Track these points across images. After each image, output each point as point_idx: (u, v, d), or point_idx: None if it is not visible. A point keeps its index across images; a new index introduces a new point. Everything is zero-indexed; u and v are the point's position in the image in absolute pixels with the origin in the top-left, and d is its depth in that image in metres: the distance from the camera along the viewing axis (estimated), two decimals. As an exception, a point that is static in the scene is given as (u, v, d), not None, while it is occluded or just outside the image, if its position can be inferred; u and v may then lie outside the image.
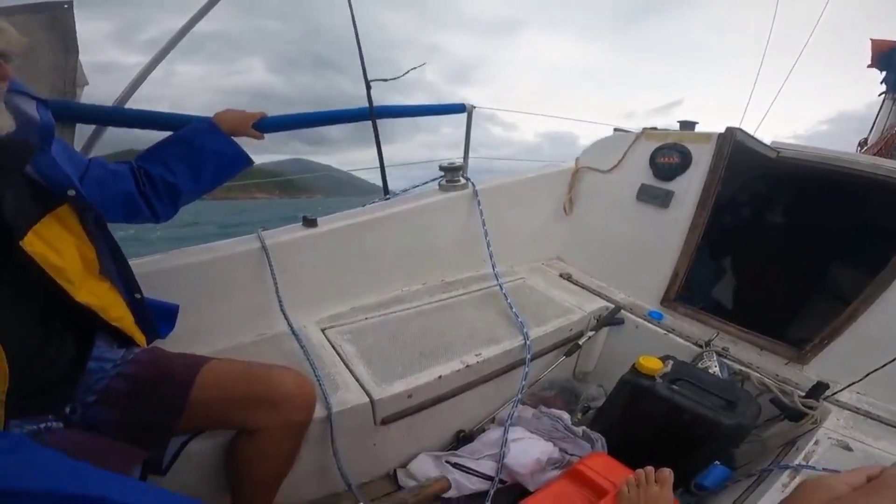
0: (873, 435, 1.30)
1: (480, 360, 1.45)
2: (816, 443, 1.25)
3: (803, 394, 1.45)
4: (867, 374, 1.41)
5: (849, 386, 1.44)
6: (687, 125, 2.05)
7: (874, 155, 2.58)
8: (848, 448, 1.23)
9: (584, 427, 1.49)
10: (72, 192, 0.80)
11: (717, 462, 1.32)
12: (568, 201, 2.28)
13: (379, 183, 2.08)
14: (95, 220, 0.87)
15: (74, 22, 1.18)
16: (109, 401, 0.85)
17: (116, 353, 0.92)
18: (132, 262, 1.00)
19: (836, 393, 1.44)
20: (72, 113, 1.17)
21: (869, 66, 3.02)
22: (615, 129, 2.26)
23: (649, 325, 1.83)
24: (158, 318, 1.06)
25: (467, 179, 2.00)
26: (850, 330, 1.54)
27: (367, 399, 1.23)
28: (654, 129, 2.09)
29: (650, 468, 1.06)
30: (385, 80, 1.87)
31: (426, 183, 2.04)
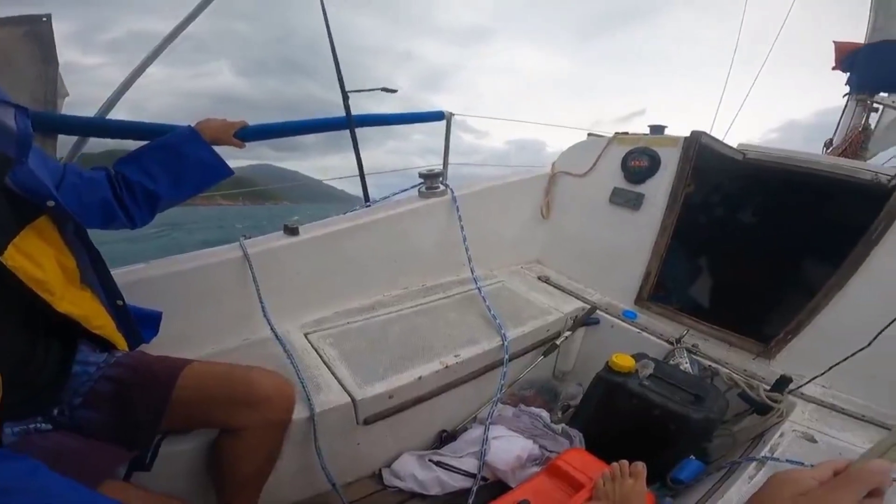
0: (838, 427, 1.37)
1: (459, 360, 1.51)
2: (782, 435, 1.31)
3: (769, 388, 1.52)
4: (829, 368, 1.49)
5: (812, 379, 1.52)
6: (657, 129, 2.14)
7: (840, 155, 2.70)
8: (812, 440, 1.30)
9: (563, 424, 1.56)
10: (51, 203, 0.81)
11: (692, 456, 1.38)
12: (545, 205, 2.37)
13: (348, 190, 2.14)
14: (75, 229, 0.88)
15: (53, 34, 1.22)
16: (95, 403, 0.88)
17: (100, 356, 0.95)
18: (117, 272, 1.03)
19: (800, 386, 1.52)
20: (54, 124, 1.21)
21: (833, 69, 3.09)
22: (589, 134, 2.36)
23: (624, 324, 1.91)
24: (142, 324, 1.09)
25: (446, 186, 2.07)
26: (812, 324, 1.62)
27: (349, 399, 1.28)
28: (626, 133, 2.19)
29: (624, 462, 1.11)
30: (361, 90, 1.94)
31: (405, 190, 2.10)
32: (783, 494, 0.52)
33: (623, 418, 1.46)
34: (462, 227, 1.98)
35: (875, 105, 2.98)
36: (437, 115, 2.28)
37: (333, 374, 1.37)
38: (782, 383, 1.51)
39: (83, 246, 0.91)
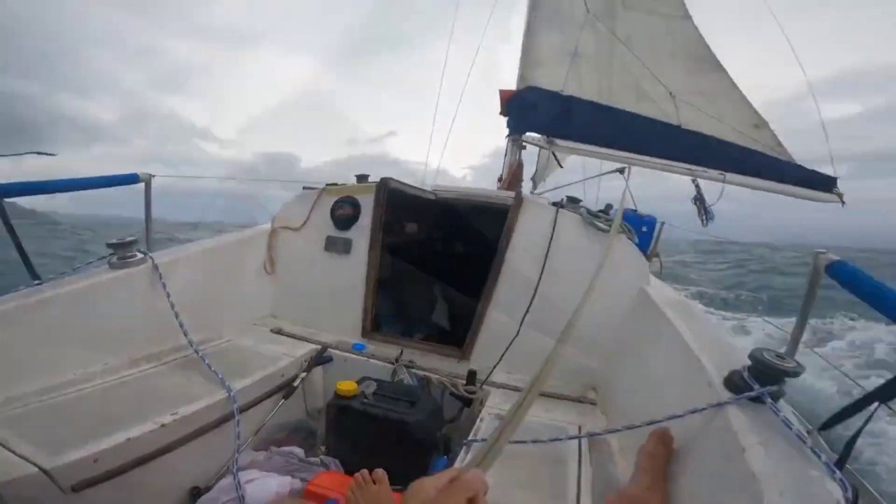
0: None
1: (178, 418, 1.50)
2: (482, 420, 1.68)
3: (464, 383, 1.98)
4: (500, 359, 2.04)
5: (493, 370, 2.02)
6: (361, 178, 2.63)
7: (507, 188, 3.49)
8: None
9: (321, 456, 1.70)
10: None
11: (445, 457, 1.68)
12: (269, 260, 2.56)
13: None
14: None
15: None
16: None
17: None
18: None
19: (487, 377, 2.01)
20: None
21: (500, 114, 3.63)
22: (304, 188, 2.70)
23: (354, 356, 2.21)
24: None
25: (145, 253, 2.02)
26: (484, 324, 2.21)
27: (37, 469, 1.15)
28: (335, 184, 2.63)
29: (364, 471, 1.31)
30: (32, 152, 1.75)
31: (90, 263, 1.95)
32: (413, 500, 0.64)
33: (360, 435, 1.71)
34: (169, 295, 1.95)
35: (523, 144, 3.64)
36: (131, 178, 2.18)
37: (12, 451, 1.19)
38: (471, 377, 2.00)
39: None
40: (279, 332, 2.37)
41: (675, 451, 1.14)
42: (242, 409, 1.68)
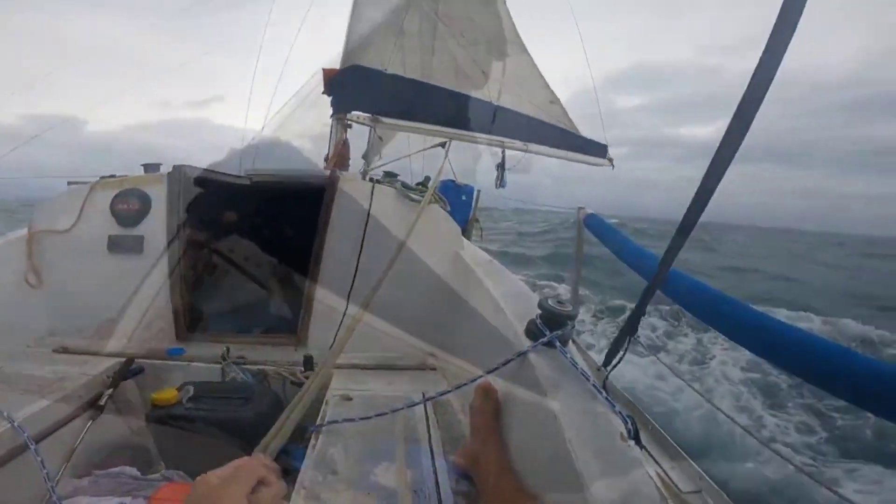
0: (362, 381, 1.86)
1: None
2: (327, 403, 1.68)
3: (303, 370, 1.98)
4: (333, 341, 2.01)
5: (332, 351, 1.91)
6: (152, 167, 2.39)
7: (334, 167, 3.43)
8: (349, 398, 1.72)
9: (161, 471, 1.59)
10: None
11: (300, 447, 1.57)
12: (31, 272, 2.19)
13: None
14: None
15: None
16: None
17: None
18: None
19: (325, 361, 1.91)
20: None
21: (323, 93, 3.62)
22: (69, 183, 2.35)
23: (171, 362, 2.06)
24: None
25: None
26: (315, 305, 2.22)
27: None
28: (112, 176, 2.35)
29: (203, 475, 1.29)
30: None
31: None
32: (197, 492, 0.69)
33: (194, 442, 1.62)
34: None
35: (349, 122, 3.73)
36: None
37: None
38: (308, 362, 2.01)
39: None
40: (65, 350, 2.09)
41: (502, 402, 1.25)
42: (38, 439, 1.48)
